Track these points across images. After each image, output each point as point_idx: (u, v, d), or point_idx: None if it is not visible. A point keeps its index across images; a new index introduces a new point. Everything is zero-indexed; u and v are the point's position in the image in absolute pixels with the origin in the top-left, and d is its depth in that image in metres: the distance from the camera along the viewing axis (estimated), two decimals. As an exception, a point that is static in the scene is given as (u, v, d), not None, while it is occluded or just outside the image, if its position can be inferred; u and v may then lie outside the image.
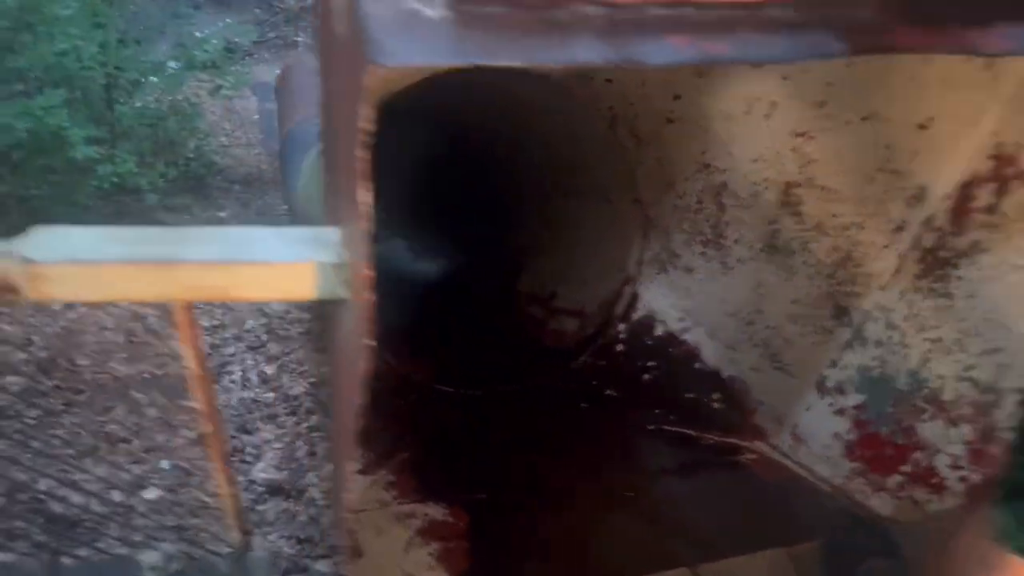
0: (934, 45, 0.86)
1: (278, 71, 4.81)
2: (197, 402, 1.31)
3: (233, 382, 3.47)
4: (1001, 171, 1.62)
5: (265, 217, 4.40)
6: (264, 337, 3.68)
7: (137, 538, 2.53)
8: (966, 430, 1.71)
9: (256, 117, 4.98)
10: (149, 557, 2.27)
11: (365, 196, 0.80)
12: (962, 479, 1.72)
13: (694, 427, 2.20)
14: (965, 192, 1.66)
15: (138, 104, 4.31)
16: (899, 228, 1.78)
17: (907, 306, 1.79)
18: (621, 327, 2.48)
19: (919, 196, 1.73)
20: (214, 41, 4.56)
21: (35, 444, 2.85)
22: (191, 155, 4.48)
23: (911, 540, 1.62)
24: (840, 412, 1.96)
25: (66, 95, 3.59)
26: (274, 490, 2.87)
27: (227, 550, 2.31)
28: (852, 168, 1.84)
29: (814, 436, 2.01)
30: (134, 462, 2.88)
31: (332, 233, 1.09)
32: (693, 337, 2.32)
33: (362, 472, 1.87)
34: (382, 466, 2.03)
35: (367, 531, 1.78)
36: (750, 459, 2.09)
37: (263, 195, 4.60)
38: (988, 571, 1.35)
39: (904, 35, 0.82)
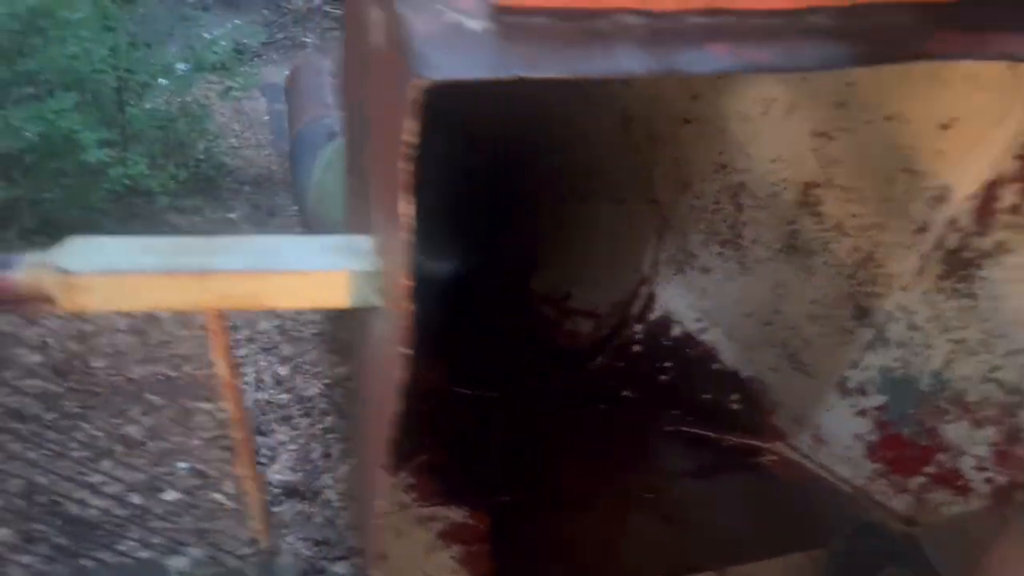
0: (975, 52, 0.86)
1: (287, 72, 4.82)
2: (227, 409, 1.31)
3: (247, 384, 3.48)
4: (1026, 171, 1.61)
5: (276, 218, 4.41)
6: (277, 339, 3.69)
7: (156, 540, 2.54)
8: (991, 431, 1.70)
9: (266, 118, 4.99)
10: (177, 562, 2.28)
11: (406, 208, 0.80)
12: (987, 480, 1.72)
13: (713, 428, 2.19)
14: (989, 192, 1.65)
15: (148, 106, 4.32)
16: (921, 228, 1.78)
17: (930, 307, 1.78)
18: (637, 328, 2.47)
19: (942, 196, 1.72)
20: (223, 43, 4.57)
21: (53, 446, 2.87)
22: (201, 157, 4.48)
23: (935, 544, 1.61)
24: (862, 413, 1.96)
25: (77, 98, 3.60)
26: (290, 492, 2.88)
27: (253, 555, 2.32)
28: (873, 168, 1.83)
29: (835, 437, 2.01)
30: (151, 464, 2.89)
31: (364, 241, 1.09)
32: (711, 337, 2.32)
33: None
34: (402, 468, 2.04)
35: (388, 534, 1.79)
36: (770, 460, 2.08)
37: (273, 196, 4.61)
38: None
39: (945, 42, 0.82)
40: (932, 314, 1.78)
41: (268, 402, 3.39)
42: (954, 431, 1.75)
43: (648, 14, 0.80)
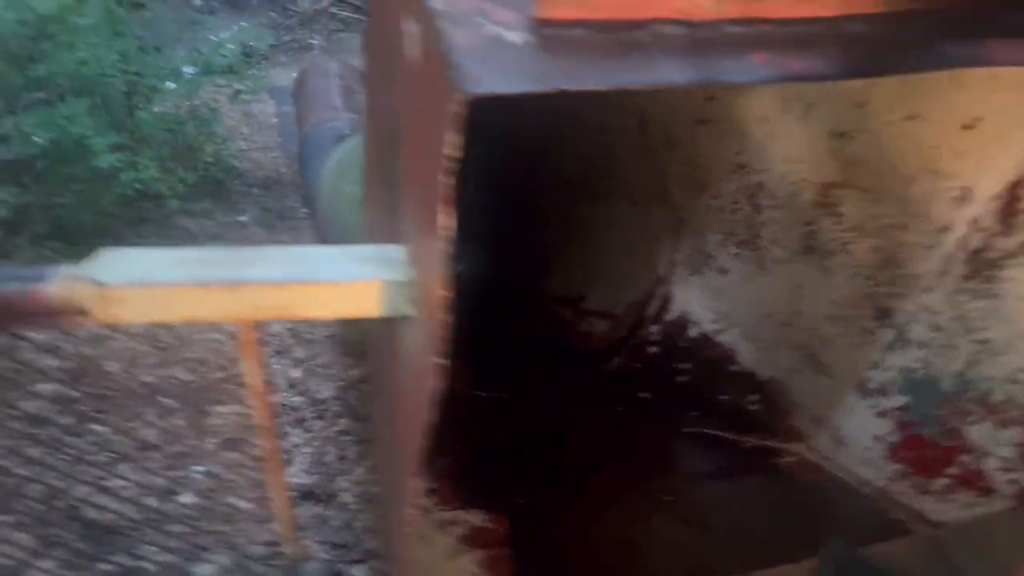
0: (1017, 59, 0.85)
1: (294, 74, 4.82)
2: (259, 419, 1.32)
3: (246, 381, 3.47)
4: (1051, 171, 1.61)
5: (286, 221, 4.41)
6: (290, 341, 3.69)
7: (174, 544, 2.55)
8: (1016, 432, 1.69)
9: (274, 120, 4.99)
10: (202, 569, 2.29)
11: (447, 220, 0.80)
12: (1012, 482, 1.71)
13: (731, 430, 2.19)
14: (1013, 192, 1.64)
15: (157, 110, 4.32)
16: (944, 229, 1.77)
17: (953, 307, 1.77)
18: (654, 329, 2.47)
19: (965, 197, 1.71)
20: (230, 46, 4.57)
21: (69, 451, 2.87)
22: (210, 160, 4.49)
23: (960, 547, 1.60)
24: (882, 414, 1.95)
25: (88, 103, 3.60)
26: (305, 495, 2.88)
27: (273, 557, 2.32)
28: (893, 169, 1.83)
29: (855, 438, 2.00)
30: (167, 468, 2.90)
31: (395, 251, 1.09)
32: (728, 338, 2.31)
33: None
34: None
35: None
36: (789, 462, 2.08)
37: (283, 198, 4.61)
38: None
39: (989, 49, 0.81)
40: (955, 314, 1.77)
41: (282, 405, 3.39)
42: (978, 432, 1.74)
43: (687, 24, 0.80)
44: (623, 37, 0.78)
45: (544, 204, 3.14)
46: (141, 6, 4.06)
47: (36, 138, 3.38)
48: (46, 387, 3.11)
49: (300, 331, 3.73)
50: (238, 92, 4.53)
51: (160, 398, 3.20)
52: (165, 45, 4.40)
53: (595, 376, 2.46)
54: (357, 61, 5.22)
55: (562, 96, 0.75)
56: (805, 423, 2.14)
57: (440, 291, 0.87)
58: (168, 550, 2.49)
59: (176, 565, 2.37)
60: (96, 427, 2.99)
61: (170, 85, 4.33)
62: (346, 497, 2.90)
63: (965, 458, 1.76)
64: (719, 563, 1.77)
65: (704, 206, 2.37)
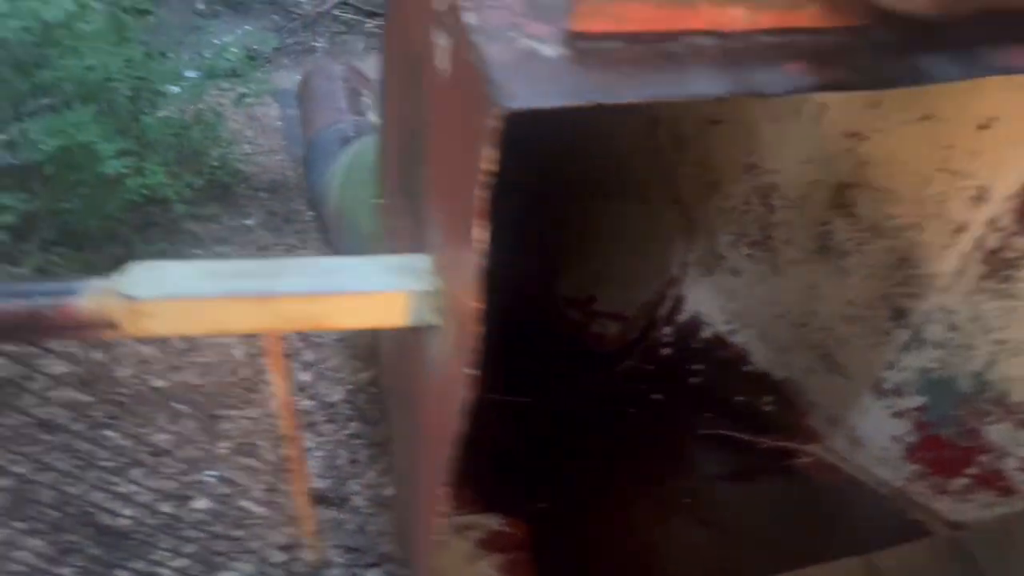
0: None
1: (298, 77, 4.82)
2: (284, 428, 1.32)
3: (272, 392, 3.48)
4: (1068, 171, 1.60)
5: (292, 224, 4.41)
6: (299, 345, 3.69)
7: (189, 550, 2.55)
8: (1036, 432, 1.70)
9: (278, 123, 4.98)
10: (225, 577, 2.29)
11: (482, 233, 0.80)
12: (1032, 481, 1.71)
13: (746, 431, 2.19)
14: (1030, 192, 1.64)
15: (162, 115, 4.32)
16: (960, 229, 1.77)
17: (971, 308, 1.77)
18: (666, 330, 2.47)
19: (981, 197, 1.71)
20: (234, 49, 4.56)
21: (82, 457, 2.88)
22: (216, 164, 4.48)
23: (981, 547, 1.60)
24: (899, 414, 1.95)
25: (94, 109, 3.60)
26: (318, 499, 2.89)
27: (300, 568, 2.33)
28: (909, 169, 1.83)
29: (872, 438, 2.00)
30: (180, 472, 2.91)
31: (421, 261, 1.09)
32: (742, 339, 2.31)
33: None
34: (438, 477, 2.04)
35: (430, 544, 1.79)
36: (806, 463, 2.08)
37: (289, 201, 4.61)
38: None
39: (1018, 55, 0.82)
40: (973, 315, 1.77)
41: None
42: (997, 432, 1.74)
43: (719, 35, 0.80)
44: (657, 49, 0.78)
45: (552, 205, 3.14)
46: (146, 12, 4.07)
47: (42, 144, 3.38)
48: (57, 393, 3.12)
49: (309, 335, 3.73)
50: (243, 96, 4.53)
51: (171, 403, 3.20)
52: (170, 50, 4.41)
53: (608, 378, 2.46)
54: (361, 63, 5.22)
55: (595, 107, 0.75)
56: (821, 424, 2.14)
57: (474, 303, 0.87)
58: (184, 556, 2.50)
59: (193, 571, 2.37)
60: (109, 433, 2.99)
61: (175, 90, 4.33)
62: (359, 501, 2.91)
63: (984, 458, 1.76)
64: (738, 565, 1.77)
65: (715, 207, 2.37)
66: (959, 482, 1.82)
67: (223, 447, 3.10)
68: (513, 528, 1.95)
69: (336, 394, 3.43)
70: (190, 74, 4.44)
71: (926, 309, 1.86)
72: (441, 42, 0.87)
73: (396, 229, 1.42)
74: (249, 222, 4.38)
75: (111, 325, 1.01)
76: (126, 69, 3.83)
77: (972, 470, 1.79)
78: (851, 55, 0.81)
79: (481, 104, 0.73)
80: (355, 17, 5.84)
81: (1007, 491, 1.74)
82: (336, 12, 5.82)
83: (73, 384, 3.23)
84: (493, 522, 1.96)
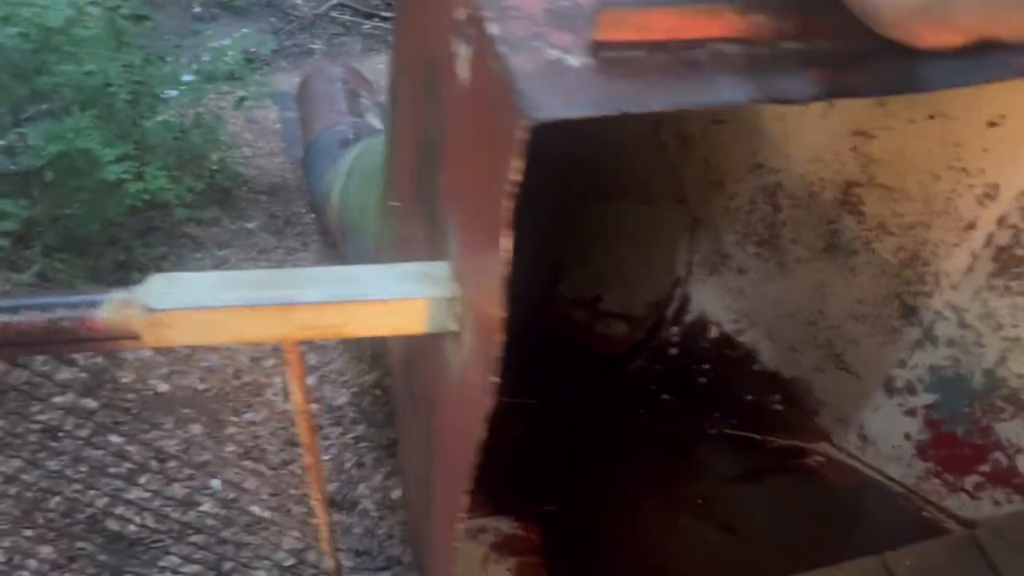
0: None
1: (297, 79, 4.81)
2: (302, 436, 1.32)
3: (275, 395, 3.48)
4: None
5: (293, 227, 4.41)
6: (303, 348, 3.68)
7: (197, 555, 2.55)
8: (1049, 429, 1.70)
9: (277, 126, 4.97)
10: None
11: (508, 243, 0.81)
12: (1046, 478, 1.72)
13: (756, 430, 2.19)
14: (1041, 189, 1.64)
15: (161, 119, 4.31)
16: (970, 226, 1.77)
17: (981, 305, 1.78)
18: (673, 330, 2.47)
19: (991, 194, 1.71)
20: (232, 52, 4.55)
21: (88, 462, 2.88)
22: (216, 167, 4.48)
23: (997, 545, 1.61)
24: (911, 412, 1.95)
25: (94, 115, 3.60)
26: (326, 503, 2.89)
27: (312, 573, 2.33)
28: (917, 167, 1.83)
29: (883, 437, 2.00)
30: (187, 477, 2.91)
31: (439, 268, 1.09)
32: (750, 339, 2.32)
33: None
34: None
35: (442, 548, 1.79)
36: (817, 461, 2.08)
37: (289, 204, 4.60)
38: None
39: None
40: (983, 312, 1.77)
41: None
42: (1010, 429, 1.74)
43: (743, 42, 0.80)
44: (681, 57, 0.78)
45: (554, 205, 3.13)
46: (144, 17, 4.06)
47: (42, 150, 3.37)
48: (61, 399, 3.11)
49: (312, 338, 3.73)
50: (242, 99, 4.52)
51: (177, 408, 3.20)
52: (168, 54, 4.40)
53: (617, 379, 2.46)
54: (359, 65, 5.21)
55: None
56: (831, 422, 2.15)
57: (498, 312, 0.87)
58: (194, 562, 2.50)
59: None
60: (115, 438, 2.99)
61: (174, 94, 4.32)
62: (367, 504, 2.91)
63: (998, 455, 1.77)
64: (751, 567, 1.77)
65: (721, 206, 2.37)
66: (972, 479, 1.82)
67: (229, 451, 3.10)
68: (525, 531, 1.95)
69: (341, 397, 3.43)
70: (188, 78, 4.44)
71: (936, 307, 1.87)
72: (461, 51, 0.87)
73: (410, 235, 1.42)
74: (250, 225, 4.37)
75: (132, 336, 1.01)
76: (125, 74, 3.82)
77: (985, 467, 1.80)
78: (875, 60, 0.81)
79: (507, 114, 0.73)
80: (352, 19, 5.83)
81: (1021, 488, 1.74)
82: (333, 14, 5.81)
83: (78, 390, 3.23)
84: (505, 525, 1.96)
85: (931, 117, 1.76)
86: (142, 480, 2.77)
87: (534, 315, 2.97)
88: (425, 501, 1.54)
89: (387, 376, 3.37)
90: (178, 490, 2.80)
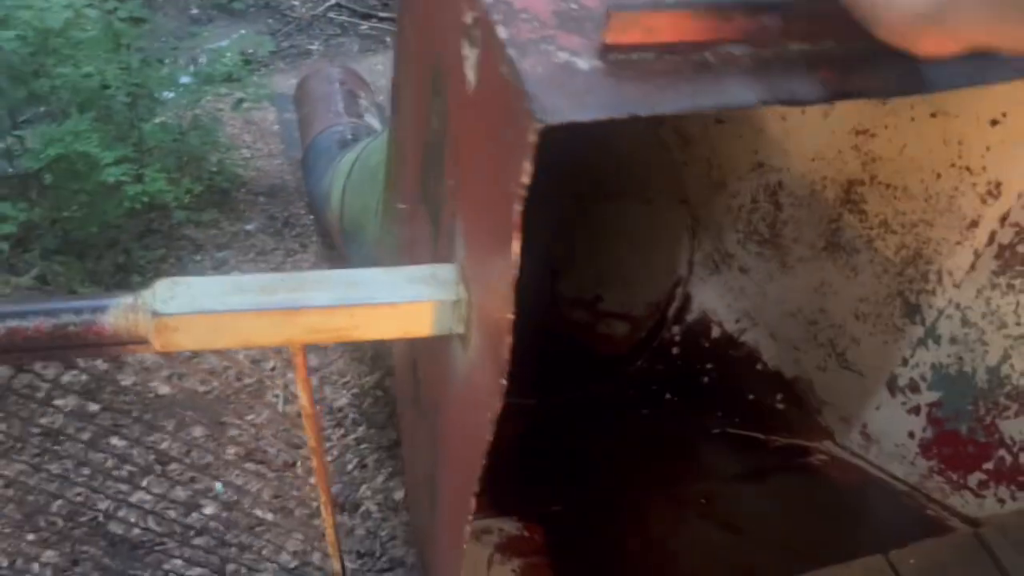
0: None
1: (295, 81, 4.81)
2: (310, 440, 1.32)
3: (276, 396, 3.48)
4: (1081, 165, 1.61)
5: (292, 228, 4.41)
6: (303, 350, 3.68)
7: (200, 558, 2.55)
8: (1053, 427, 1.70)
9: (275, 128, 4.97)
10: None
11: (516, 246, 0.81)
12: (1050, 476, 1.72)
13: (759, 429, 2.19)
14: (1044, 187, 1.64)
15: (159, 121, 4.31)
16: (973, 224, 1.77)
17: (985, 303, 1.78)
18: (675, 329, 2.48)
19: (993, 192, 1.72)
20: (229, 54, 4.55)
21: (91, 465, 2.87)
22: (214, 169, 4.47)
23: (1002, 544, 1.61)
24: (914, 410, 1.96)
25: (93, 117, 3.59)
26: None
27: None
28: (919, 165, 1.83)
29: (886, 435, 2.01)
30: (189, 480, 2.90)
31: (446, 271, 1.09)
32: (752, 338, 2.32)
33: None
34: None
35: (447, 549, 1.79)
36: (820, 460, 2.08)
37: (288, 206, 4.60)
38: None
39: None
40: (987, 310, 1.77)
41: (298, 414, 3.38)
42: (1015, 427, 1.74)
43: (752, 44, 0.80)
44: (690, 59, 0.78)
45: (554, 205, 3.13)
46: (141, 20, 4.05)
47: (40, 153, 3.37)
48: (63, 401, 3.11)
49: (313, 339, 3.72)
50: (240, 100, 4.51)
51: (178, 410, 3.20)
52: (166, 56, 4.39)
53: (619, 379, 2.46)
54: (356, 65, 5.21)
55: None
56: (834, 421, 2.15)
57: (506, 314, 0.87)
58: (198, 564, 2.50)
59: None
60: (115, 441, 2.99)
61: (172, 95, 4.32)
62: (369, 505, 2.91)
63: (1002, 453, 1.77)
64: (756, 567, 1.77)
65: (723, 205, 2.38)
66: (976, 477, 1.82)
67: (231, 453, 3.10)
68: (530, 532, 1.95)
69: (342, 399, 3.43)
70: (186, 80, 4.43)
71: (939, 305, 1.87)
72: (468, 54, 0.87)
73: (413, 236, 1.42)
74: (249, 227, 4.37)
75: (140, 341, 1.01)
76: (123, 76, 3.82)
77: (989, 465, 1.80)
78: (885, 62, 0.81)
79: (516, 118, 0.73)
80: (350, 20, 5.83)
81: (1025, 486, 1.75)
82: (330, 15, 5.81)
83: (78, 392, 3.23)
84: (509, 526, 1.96)
85: (933, 115, 1.77)
86: (144, 483, 2.76)
87: (534, 315, 2.97)
88: (430, 503, 1.54)
89: (388, 377, 3.37)
90: (180, 493, 2.80)
